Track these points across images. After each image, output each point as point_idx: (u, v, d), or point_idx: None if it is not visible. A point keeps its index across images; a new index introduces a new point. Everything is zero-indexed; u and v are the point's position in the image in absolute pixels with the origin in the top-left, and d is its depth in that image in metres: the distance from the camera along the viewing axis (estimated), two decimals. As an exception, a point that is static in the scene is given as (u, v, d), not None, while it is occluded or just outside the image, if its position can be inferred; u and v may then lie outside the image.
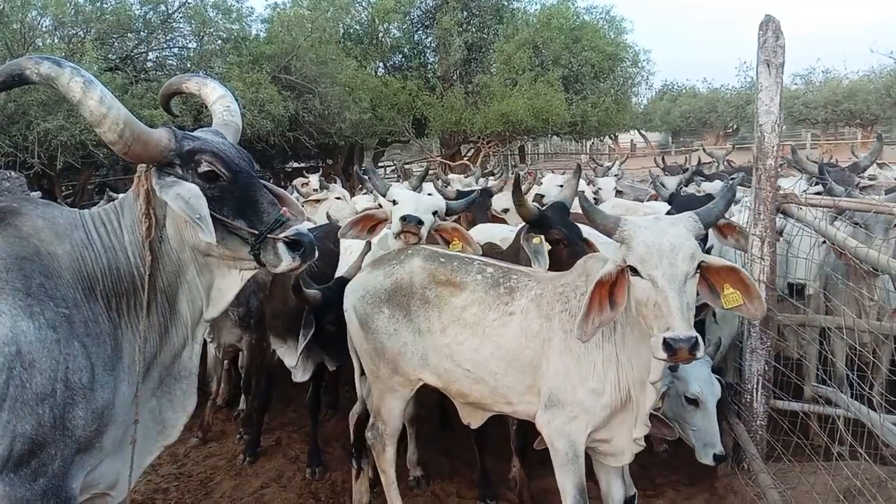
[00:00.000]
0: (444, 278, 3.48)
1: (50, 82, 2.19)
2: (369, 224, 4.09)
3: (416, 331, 3.48)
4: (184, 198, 2.28)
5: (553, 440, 3.17)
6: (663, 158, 14.82)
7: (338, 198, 8.34)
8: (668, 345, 2.50)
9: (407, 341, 3.51)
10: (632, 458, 3.25)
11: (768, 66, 3.88)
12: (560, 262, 3.71)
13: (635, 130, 35.78)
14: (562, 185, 7.34)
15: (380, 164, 24.51)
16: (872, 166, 7.37)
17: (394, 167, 18.78)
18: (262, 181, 2.52)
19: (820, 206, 3.78)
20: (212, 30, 14.96)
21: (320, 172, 14.85)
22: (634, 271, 2.69)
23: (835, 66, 40.06)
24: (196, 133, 2.51)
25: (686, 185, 7.49)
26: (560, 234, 3.80)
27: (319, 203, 8.33)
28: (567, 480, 3.15)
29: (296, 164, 22.60)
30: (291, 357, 4.38)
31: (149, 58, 15.27)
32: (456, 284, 3.44)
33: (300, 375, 4.42)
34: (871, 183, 6.77)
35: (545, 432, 3.21)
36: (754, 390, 4.14)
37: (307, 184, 10.95)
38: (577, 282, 3.19)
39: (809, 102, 33.27)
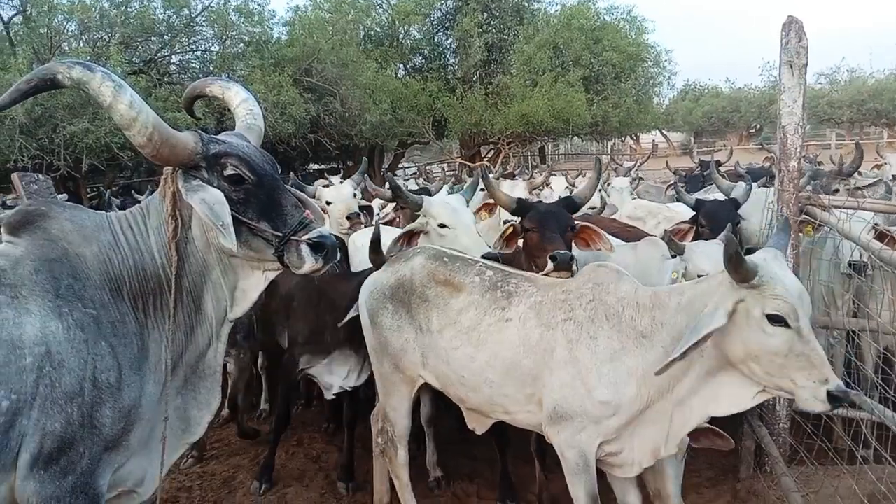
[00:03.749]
0: (443, 278, 3.47)
1: (81, 86, 2.23)
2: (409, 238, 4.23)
3: (418, 328, 3.48)
4: (208, 203, 2.31)
5: (563, 450, 3.12)
6: (671, 165, 14.14)
7: None
8: (834, 398, 2.47)
9: (409, 338, 3.51)
10: (640, 470, 3.14)
11: (791, 67, 3.84)
12: (530, 246, 3.84)
13: (657, 130, 35.56)
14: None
15: (400, 166, 24.61)
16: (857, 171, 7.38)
17: (415, 170, 18.90)
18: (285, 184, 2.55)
19: (843, 208, 3.73)
20: (234, 33, 15.16)
21: (341, 174, 14.94)
22: (774, 320, 2.53)
23: (860, 64, 39.51)
24: (221, 136, 2.54)
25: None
26: (530, 224, 3.87)
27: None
28: (579, 490, 3.11)
29: (316, 166, 22.77)
30: (338, 371, 4.36)
31: (172, 61, 15.50)
32: (454, 285, 3.42)
33: (337, 385, 4.40)
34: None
35: (554, 442, 3.16)
36: (777, 393, 4.09)
37: (328, 186, 11.11)
38: (582, 289, 3.12)
39: (834, 102, 32.82)
